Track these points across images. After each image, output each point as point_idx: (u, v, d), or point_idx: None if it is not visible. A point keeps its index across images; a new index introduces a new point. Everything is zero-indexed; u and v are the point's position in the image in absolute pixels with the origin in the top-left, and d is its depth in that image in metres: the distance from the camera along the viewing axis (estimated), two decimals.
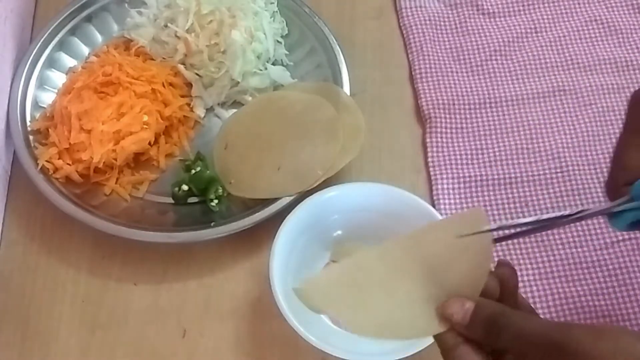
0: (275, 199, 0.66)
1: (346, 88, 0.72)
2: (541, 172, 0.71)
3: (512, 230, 0.47)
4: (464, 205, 0.69)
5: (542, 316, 0.61)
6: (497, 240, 0.47)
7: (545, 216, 0.46)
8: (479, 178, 0.71)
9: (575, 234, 0.68)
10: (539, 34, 0.80)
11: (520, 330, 0.41)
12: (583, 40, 0.79)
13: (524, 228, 0.47)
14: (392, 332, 0.47)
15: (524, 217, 0.67)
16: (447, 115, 0.74)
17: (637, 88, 0.54)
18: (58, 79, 0.73)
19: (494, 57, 0.78)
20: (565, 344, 0.39)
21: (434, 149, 0.72)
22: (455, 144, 0.73)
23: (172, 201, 0.68)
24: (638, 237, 0.67)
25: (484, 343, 0.43)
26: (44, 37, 0.74)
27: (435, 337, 0.45)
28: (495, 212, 0.69)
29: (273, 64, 0.75)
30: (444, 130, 0.73)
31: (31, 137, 0.69)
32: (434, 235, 0.48)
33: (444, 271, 0.46)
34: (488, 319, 0.43)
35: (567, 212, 0.47)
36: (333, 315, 0.47)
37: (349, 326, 0.48)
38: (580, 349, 0.38)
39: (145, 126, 0.69)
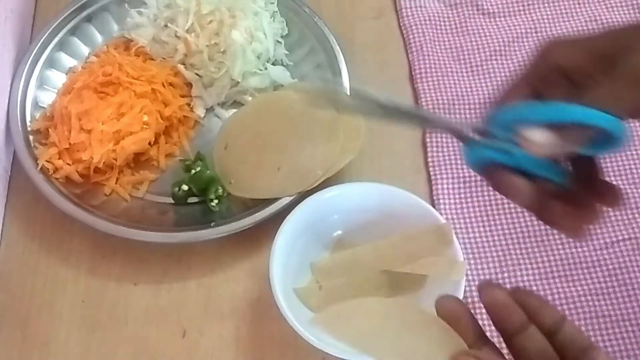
0: (275, 199, 0.66)
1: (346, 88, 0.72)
2: None
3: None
4: (464, 205, 0.69)
5: None
6: None
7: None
8: (479, 178, 0.70)
9: None
10: (539, 34, 0.80)
11: None
12: None
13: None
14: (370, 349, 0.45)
15: (524, 216, 0.68)
16: (447, 116, 0.74)
17: None
18: (58, 79, 0.73)
19: (494, 57, 0.78)
20: None
21: (434, 149, 0.72)
22: (456, 144, 0.72)
23: (172, 201, 0.68)
24: (638, 237, 0.67)
25: None
26: (44, 37, 0.74)
27: None
28: (495, 212, 0.69)
29: (273, 64, 0.75)
30: None
31: (31, 137, 0.69)
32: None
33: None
34: None
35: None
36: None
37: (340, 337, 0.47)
38: None
39: (145, 126, 0.69)
